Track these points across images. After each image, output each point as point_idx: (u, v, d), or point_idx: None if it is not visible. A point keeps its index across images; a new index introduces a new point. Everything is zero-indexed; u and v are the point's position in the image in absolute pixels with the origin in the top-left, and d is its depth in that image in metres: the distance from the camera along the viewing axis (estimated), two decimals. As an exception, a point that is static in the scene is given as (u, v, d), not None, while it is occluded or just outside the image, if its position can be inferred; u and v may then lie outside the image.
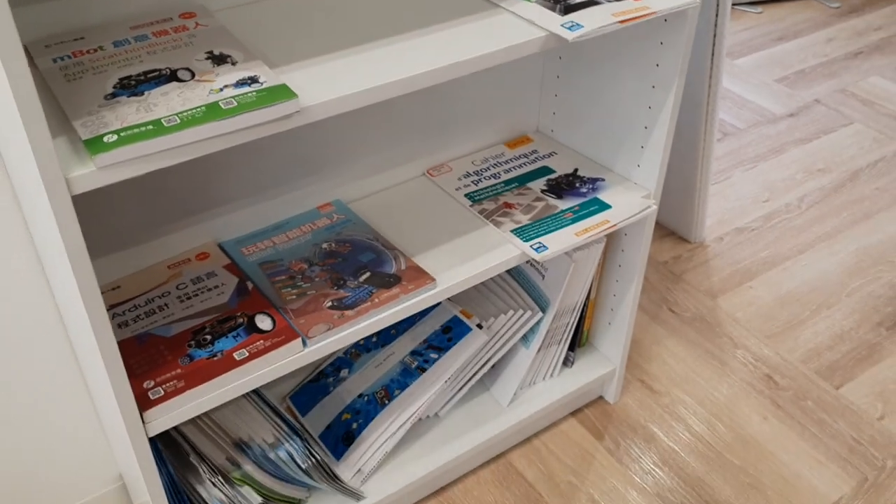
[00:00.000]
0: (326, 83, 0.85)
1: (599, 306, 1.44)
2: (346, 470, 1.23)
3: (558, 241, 1.15)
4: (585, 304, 1.39)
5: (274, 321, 1.00)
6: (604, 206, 1.22)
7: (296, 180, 1.18)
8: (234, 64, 0.84)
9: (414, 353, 1.30)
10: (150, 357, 0.96)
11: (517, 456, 1.42)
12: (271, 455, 1.14)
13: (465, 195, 1.25)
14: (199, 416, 1.15)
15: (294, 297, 1.05)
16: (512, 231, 1.17)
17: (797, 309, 1.73)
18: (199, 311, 1.02)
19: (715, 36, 1.56)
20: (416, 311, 1.08)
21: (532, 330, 1.32)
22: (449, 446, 1.31)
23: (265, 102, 0.78)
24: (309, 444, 1.17)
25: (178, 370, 0.94)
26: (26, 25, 0.89)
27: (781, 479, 1.39)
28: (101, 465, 1.28)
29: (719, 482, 1.39)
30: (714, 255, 1.88)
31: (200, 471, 1.08)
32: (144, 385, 0.92)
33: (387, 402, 1.26)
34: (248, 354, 0.96)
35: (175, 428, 1.13)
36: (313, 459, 1.16)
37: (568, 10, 0.99)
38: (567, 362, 1.45)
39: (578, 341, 1.47)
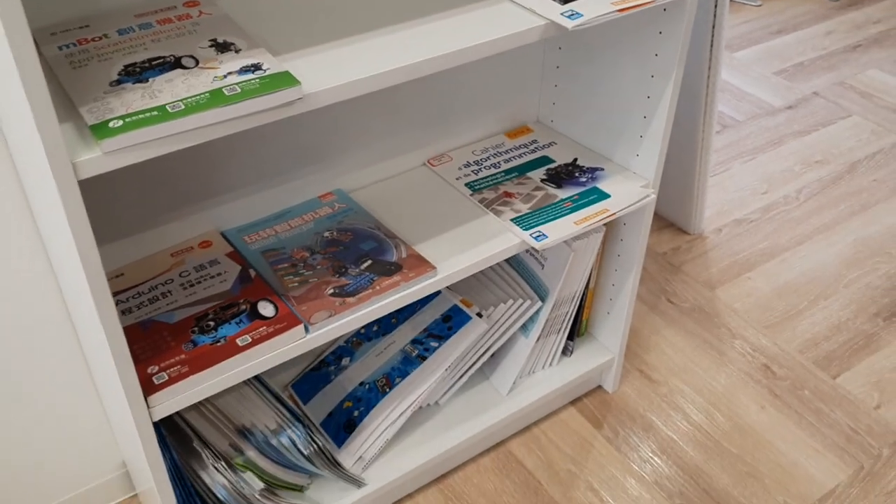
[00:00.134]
0: (329, 70, 0.86)
1: (598, 296, 1.45)
2: (347, 457, 1.24)
3: (558, 230, 1.16)
4: (584, 294, 1.40)
5: (276, 308, 1.01)
6: (603, 196, 1.23)
7: (298, 170, 1.19)
8: (237, 51, 0.85)
9: (414, 341, 1.31)
10: (153, 343, 0.97)
11: (517, 444, 1.43)
12: (273, 441, 1.15)
13: (466, 184, 1.26)
14: (202, 403, 1.16)
15: (296, 284, 1.06)
16: (512, 220, 1.18)
17: (795, 300, 1.74)
18: (202, 297, 1.03)
19: (714, 27, 1.57)
20: (416, 299, 1.08)
21: (531, 319, 1.33)
22: (449, 434, 1.32)
23: (268, 89, 0.79)
24: (311, 431, 1.18)
25: (182, 356, 0.95)
26: (32, 14, 0.90)
27: (779, 468, 1.40)
28: (105, 452, 1.29)
29: (717, 470, 1.40)
30: (713, 247, 1.89)
31: (204, 456, 1.09)
32: (148, 370, 0.93)
33: (388, 390, 1.27)
34: (250, 340, 0.97)
35: (179, 415, 1.14)
36: (315, 446, 1.17)
37: (568, -1, 1.00)
38: (566, 351, 1.46)
39: (577, 331, 1.49)
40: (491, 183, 1.27)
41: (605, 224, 1.31)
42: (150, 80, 0.80)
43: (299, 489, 1.21)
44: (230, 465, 1.11)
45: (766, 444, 1.44)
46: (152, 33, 0.88)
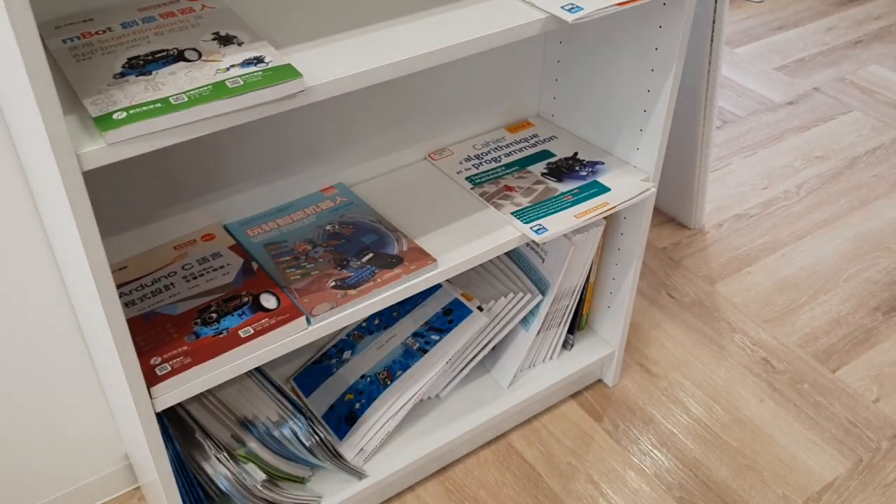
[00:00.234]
0: (330, 63, 0.86)
1: (599, 290, 1.46)
2: (349, 449, 1.25)
3: (558, 223, 1.16)
4: (585, 288, 1.41)
5: (279, 300, 1.02)
6: (603, 189, 1.23)
7: (299, 164, 1.20)
8: (240, 44, 0.85)
9: (415, 334, 1.31)
10: (156, 335, 0.97)
11: (517, 437, 1.44)
12: (276, 433, 1.16)
13: (467, 178, 1.27)
14: (204, 395, 1.17)
15: (298, 277, 1.06)
16: (512, 213, 1.19)
17: (795, 294, 1.75)
18: (204, 290, 1.04)
19: (714, 22, 1.58)
20: (417, 291, 1.09)
21: (532, 312, 1.34)
22: (450, 427, 1.33)
23: (271, 81, 0.79)
24: (312, 423, 1.19)
25: (185, 347, 0.95)
26: (37, 8, 0.91)
27: (778, 461, 1.41)
28: (108, 445, 1.30)
29: (716, 463, 1.40)
30: (713, 242, 1.89)
31: (206, 447, 1.10)
32: (151, 361, 0.94)
33: (389, 382, 1.28)
34: (253, 332, 0.97)
35: (181, 406, 1.15)
36: (317, 438, 1.18)
37: (568, -7, 1.00)
38: (566, 345, 1.47)
39: (578, 324, 1.49)
40: (492, 177, 1.27)
41: (605, 218, 1.32)
42: (154, 72, 0.81)
43: (301, 481, 1.22)
44: (232, 457, 1.12)
45: (765, 438, 1.45)
46: (155, 26, 0.89)
